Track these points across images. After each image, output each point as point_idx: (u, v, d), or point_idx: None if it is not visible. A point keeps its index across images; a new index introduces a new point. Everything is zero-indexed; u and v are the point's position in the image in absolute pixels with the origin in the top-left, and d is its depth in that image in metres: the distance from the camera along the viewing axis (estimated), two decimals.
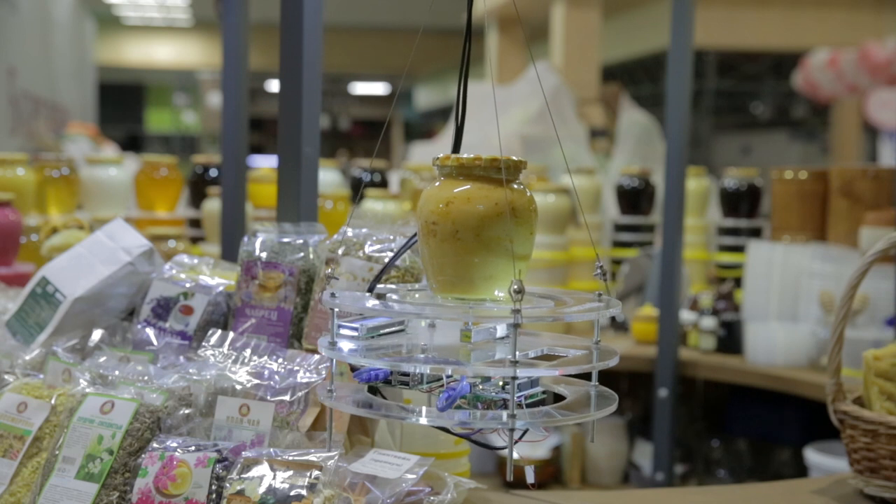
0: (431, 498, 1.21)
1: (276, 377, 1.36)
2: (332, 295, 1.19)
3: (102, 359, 1.46)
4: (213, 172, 3.55)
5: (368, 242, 1.50)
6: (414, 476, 1.18)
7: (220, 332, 1.47)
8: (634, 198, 3.76)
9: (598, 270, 1.22)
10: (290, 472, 1.19)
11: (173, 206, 3.49)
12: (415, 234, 1.24)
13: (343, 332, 1.20)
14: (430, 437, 1.51)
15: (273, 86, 16.43)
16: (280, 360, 1.40)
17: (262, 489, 1.18)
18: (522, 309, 1.08)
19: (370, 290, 1.27)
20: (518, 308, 1.07)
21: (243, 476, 1.20)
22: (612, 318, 3.40)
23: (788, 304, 3.02)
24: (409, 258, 1.47)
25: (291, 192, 1.75)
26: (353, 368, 1.22)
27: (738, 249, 3.53)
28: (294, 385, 1.34)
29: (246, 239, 1.61)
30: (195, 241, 3.41)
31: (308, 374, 1.36)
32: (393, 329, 1.25)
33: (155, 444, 1.28)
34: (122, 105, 17.26)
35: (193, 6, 12.56)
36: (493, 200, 1.15)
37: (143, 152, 11.27)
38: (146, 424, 1.32)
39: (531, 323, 1.12)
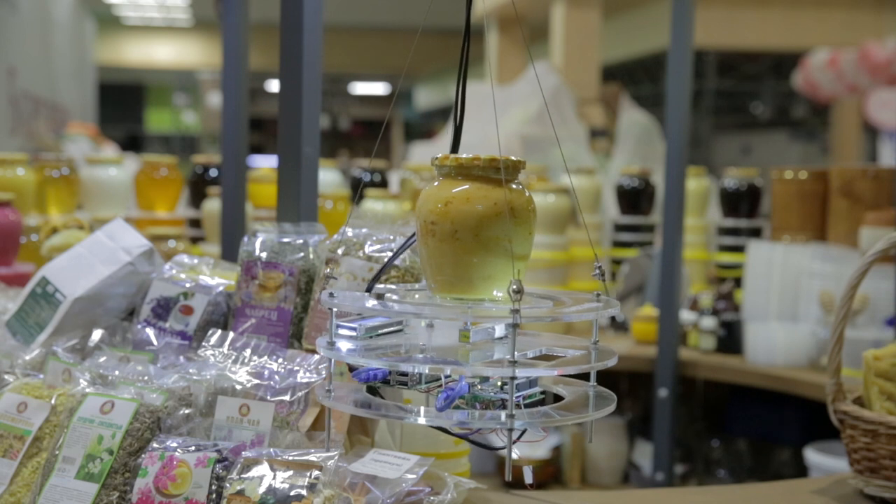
0: (431, 498, 1.21)
1: (276, 377, 1.36)
2: (331, 295, 1.19)
3: (102, 359, 1.46)
4: (213, 172, 3.55)
5: (368, 242, 1.50)
6: (414, 476, 1.18)
7: (220, 332, 1.47)
8: (634, 198, 3.76)
9: (597, 271, 1.22)
10: (290, 472, 1.19)
11: (173, 206, 3.49)
12: (413, 234, 1.24)
13: (341, 331, 1.20)
14: (430, 437, 1.51)
15: (273, 86, 16.43)
16: (280, 360, 1.40)
17: (262, 489, 1.18)
18: (521, 309, 1.08)
19: (369, 289, 1.27)
20: (517, 308, 1.07)
21: (243, 476, 1.20)
22: (613, 318, 3.40)
23: (788, 304, 3.02)
24: (410, 258, 1.47)
25: (291, 192, 1.75)
26: (352, 368, 1.22)
27: (738, 249, 3.53)
28: (294, 385, 1.34)
29: (246, 239, 1.61)
30: (195, 241, 3.41)
31: (308, 374, 1.36)
32: (391, 329, 1.25)
33: (155, 444, 1.28)
34: (122, 105, 17.25)
35: (193, 6, 12.56)
36: (492, 200, 1.15)
37: (143, 152, 11.28)
38: (146, 424, 1.32)
39: (530, 323, 1.12)
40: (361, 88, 19.30)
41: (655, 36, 9.29)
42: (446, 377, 1.18)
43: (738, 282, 3.36)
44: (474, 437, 1.24)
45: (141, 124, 18.31)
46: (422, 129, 17.85)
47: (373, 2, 12.50)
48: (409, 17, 12.61)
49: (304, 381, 1.35)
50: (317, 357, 1.38)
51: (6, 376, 1.49)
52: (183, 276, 1.61)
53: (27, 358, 1.53)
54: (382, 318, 1.23)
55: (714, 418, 3.34)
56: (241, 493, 1.19)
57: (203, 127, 17.07)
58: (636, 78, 11.71)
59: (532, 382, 1.20)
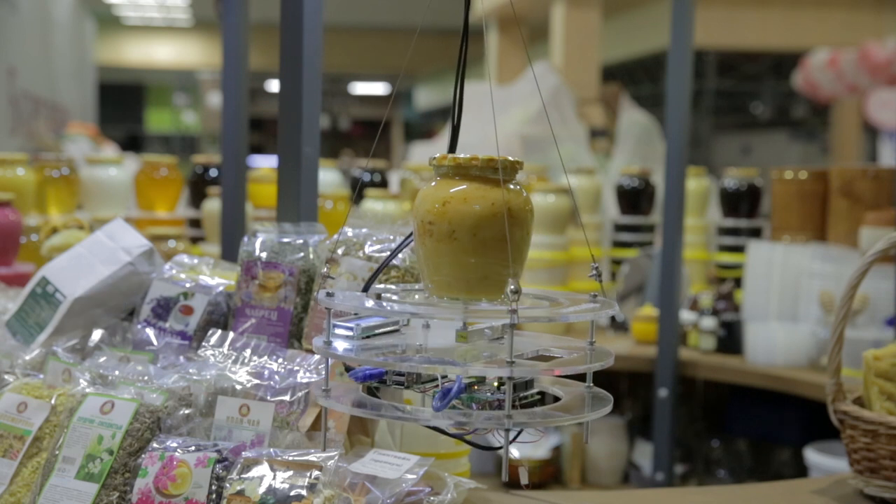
0: (431, 498, 1.21)
1: (276, 377, 1.36)
2: (328, 294, 1.19)
3: (102, 359, 1.46)
4: (213, 172, 3.55)
5: (368, 242, 1.50)
6: (414, 476, 1.18)
7: (220, 332, 1.47)
8: (634, 198, 3.76)
9: (594, 271, 1.22)
10: (290, 472, 1.19)
11: (173, 206, 3.49)
12: (410, 234, 1.24)
13: (338, 331, 1.20)
14: (430, 437, 1.51)
15: (273, 86, 16.43)
16: (280, 360, 1.40)
17: (262, 489, 1.18)
18: (518, 309, 1.08)
19: (365, 289, 1.27)
20: (514, 308, 1.07)
21: (243, 476, 1.20)
22: (613, 318, 3.40)
23: (788, 304, 3.02)
24: (410, 258, 1.47)
25: (291, 192, 1.75)
26: (348, 368, 1.22)
27: (738, 249, 3.53)
28: (294, 385, 1.34)
29: (246, 239, 1.61)
30: (195, 241, 3.41)
31: (308, 374, 1.36)
32: (388, 329, 1.25)
33: (155, 444, 1.28)
34: (122, 105, 17.26)
35: (193, 6, 12.56)
36: (490, 200, 1.15)
37: (143, 152, 11.28)
38: (146, 424, 1.32)
39: (528, 324, 1.12)
40: (361, 88, 19.30)
41: (655, 36, 9.29)
42: (443, 378, 1.18)
43: (738, 282, 3.36)
44: (470, 437, 1.24)
45: (141, 124, 18.31)
46: (422, 129, 17.85)
47: (373, 2, 12.50)
48: (409, 17, 12.62)
49: (304, 381, 1.35)
50: (317, 357, 1.38)
51: (6, 376, 1.49)
52: (183, 276, 1.61)
53: (27, 358, 1.53)
54: (380, 318, 1.23)
55: (714, 418, 3.34)
56: (241, 493, 1.19)
57: (203, 127, 17.08)
58: (636, 78, 11.71)
59: (528, 383, 1.20)
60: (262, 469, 1.20)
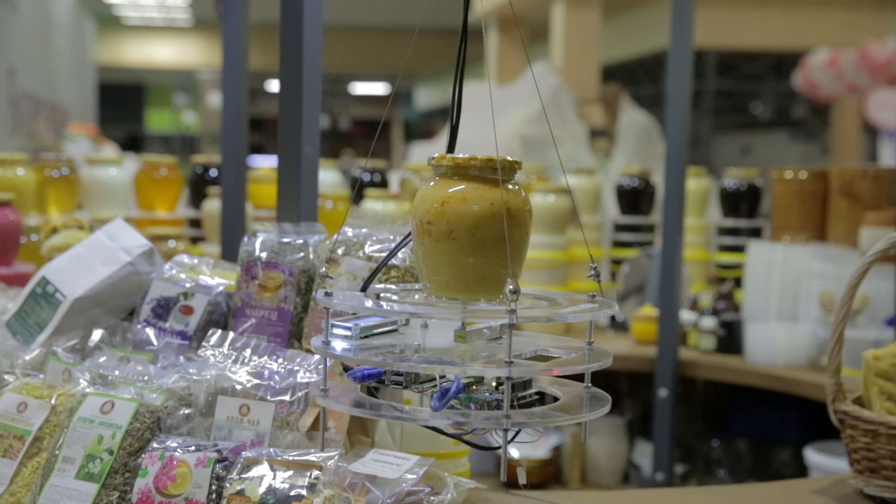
0: (431, 498, 1.21)
1: (276, 377, 1.36)
2: (326, 294, 1.19)
3: (102, 359, 1.46)
4: (213, 172, 3.55)
5: (368, 242, 1.50)
6: (414, 476, 1.18)
7: (220, 332, 1.47)
8: (634, 198, 3.76)
9: (592, 272, 1.22)
10: (290, 472, 1.19)
11: (173, 206, 3.49)
12: (409, 234, 1.24)
13: (336, 331, 1.20)
14: (430, 437, 1.51)
15: (273, 86, 16.43)
16: (280, 360, 1.40)
17: (262, 489, 1.18)
18: (517, 309, 1.08)
19: (363, 289, 1.27)
20: (513, 308, 1.07)
21: (243, 476, 1.20)
22: (613, 318, 3.40)
23: (788, 304, 3.02)
24: (410, 258, 1.47)
25: (291, 192, 1.75)
26: (346, 368, 1.22)
27: (738, 249, 3.53)
28: (294, 385, 1.34)
29: (246, 239, 1.61)
30: (195, 241, 3.41)
31: (308, 374, 1.36)
32: (387, 329, 1.25)
33: (155, 444, 1.29)
34: (122, 105, 17.26)
35: (193, 6, 12.56)
36: (489, 200, 1.15)
37: (143, 152, 11.28)
38: (146, 424, 1.32)
39: (527, 324, 1.12)
40: (361, 88, 19.30)
41: (655, 36, 9.29)
42: (441, 377, 1.18)
43: (738, 282, 3.36)
44: (468, 437, 1.24)
45: (141, 124, 18.31)
46: (422, 129, 17.85)
47: (373, 2, 12.50)
48: (409, 17, 12.62)
49: (304, 381, 1.35)
50: (317, 357, 1.38)
51: (6, 376, 1.49)
52: (183, 276, 1.61)
53: (27, 358, 1.53)
54: (378, 318, 1.23)
55: (714, 418, 3.34)
56: (241, 493, 1.19)
57: (203, 127, 17.08)
58: (636, 78, 11.71)
59: (527, 383, 1.20)
60: (262, 469, 1.20)
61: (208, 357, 1.43)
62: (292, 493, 1.17)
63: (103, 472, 1.28)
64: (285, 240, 1.59)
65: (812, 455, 2.71)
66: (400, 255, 1.45)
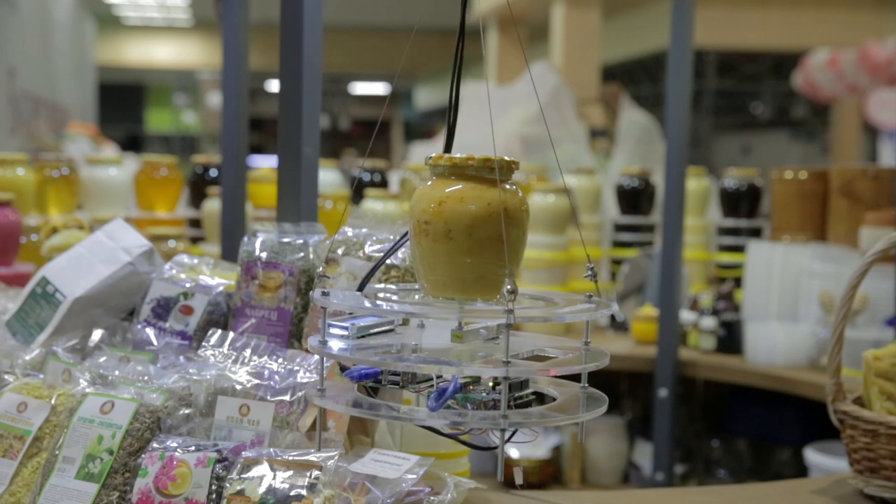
0: (431, 498, 1.21)
1: (276, 377, 1.36)
2: (323, 293, 1.19)
3: (102, 359, 1.46)
4: (213, 172, 3.55)
5: (368, 242, 1.50)
6: (414, 476, 1.18)
7: (220, 332, 1.47)
8: (634, 198, 3.76)
9: (589, 272, 1.22)
10: (290, 472, 1.19)
11: (173, 206, 3.49)
12: (406, 234, 1.24)
13: (333, 331, 1.20)
14: (430, 437, 1.51)
15: (273, 86, 16.43)
16: (280, 360, 1.40)
17: (262, 489, 1.18)
18: (514, 309, 1.08)
19: (360, 289, 1.27)
20: (511, 308, 1.07)
21: (243, 476, 1.20)
22: (613, 318, 3.40)
23: (788, 304, 3.02)
24: (410, 258, 1.47)
25: (291, 192, 1.75)
26: (343, 368, 1.22)
27: (738, 249, 3.53)
28: (294, 385, 1.34)
29: (246, 239, 1.61)
30: (195, 241, 3.41)
31: (308, 374, 1.36)
32: (384, 329, 1.25)
33: (155, 444, 1.29)
34: (122, 105, 17.27)
35: (193, 6, 12.56)
36: (486, 200, 1.15)
37: (143, 152, 11.28)
38: (146, 424, 1.32)
39: (527, 324, 1.12)
40: (361, 88, 19.30)
41: (655, 36, 9.29)
42: (438, 377, 1.18)
43: (738, 282, 3.35)
44: (464, 437, 1.24)
45: (141, 124, 18.32)
46: (422, 129, 17.85)
47: (373, 2, 12.50)
48: (409, 17, 12.62)
49: (304, 381, 1.35)
50: (317, 357, 1.38)
51: (6, 376, 1.49)
52: (183, 276, 1.61)
53: (27, 358, 1.53)
54: (375, 318, 1.23)
55: (714, 418, 3.34)
56: (241, 493, 1.19)
57: (203, 127, 17.08)
58: (636, 78, 11.71)
59: (524, 383, 1.20)
60: (262, 469, 1.20)
61: (208, 357, 1.43)
62: (292, 493, 1.17)
63: (103, 472, 1.28)
64: (285, 240, 1.59)
65: (812, 455, 2.71)
66: (400, 254, 1.45)
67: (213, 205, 3.17)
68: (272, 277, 1.55)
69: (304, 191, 1.74)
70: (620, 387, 3.37)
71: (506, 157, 1.18)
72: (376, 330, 1.23)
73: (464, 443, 1.27)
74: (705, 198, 3.78)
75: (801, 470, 2.90)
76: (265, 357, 1.41)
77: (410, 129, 18.76)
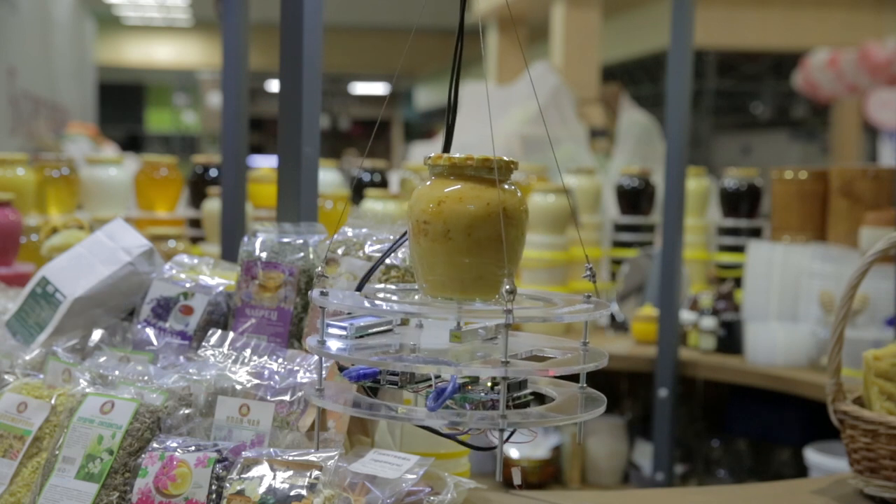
0: (431, 498, 1.21)
1: (276, 377, 1.36)
2: (322, 293, 1.19)
3: (102, 359, 1.46)
4: (213, 172, 3.55)
5: (368, 242, 1.50)
6: (414, 476, 1.18)
7: (220, 332, 1.47)
8: (634, 198, 3.76)
9: (588, 272, 1.22)
10: (290, 472, 1.19)
11: (173, 206, 3.49)
12: (404, 234, 1.24)
13: (332, 331, 1.20)
14: (430, 437, 1.51)
15: (273, 86, 16.43)
16: (280, 360, 1.40)
17: (262, 489, 1.18)
18: (513, 309, 1.08)
19: (359, 288, 1.27)
20: (510, 308, 1.07)
21: (243, 476, 1.20)
22: (613, 318, 3.40)
23: (788, 304, 3.02)
24: (410, 258, 1.47)
25: (291, 192, 1.75)
26: (341, 368, 1.22)
27: (738, 249, 3.53)
28: (294, 385, 1.34)
29: (246, 239, 1.61)
30: (195, 241, 3.41)
31: (308, 375, 1.36)
32: (382, 328, 1.25)
33: (155, 444, 1.29)
34: (122, 105, 17.27)
35: (193, 6, 12.56)
36: (485, 200, 1.15)
37: (143, 152, 11.28)
38: (146, 424, 1.32)
39: (526, 324, 1.12)
40: (361, 88, 19.30)
41: (655, 36, 9.29)
42: (436, 377, 1.18)
43: (738, 282, 3.36)
44: (463, 437, 1.24)
45: (141, 124, 18.31)
46: (422, 129, 17.85)
47: (373, 2, 12.50)
48: (409, 17, 12.62)
49: (304, 381, 1.35)
50: (317, 357, 1.38)
51: (6, 376, 1.49)
52: (183, 276, 1.61)
53: (27, 358, 1.53)
54: (374, 318, 1.23)
55: (714, 418, 3.34)
56: (241, 493, 1.19)
57: (203, 127, 17.08)
58: (636, 78, 11.71)
59: (523, 383, 1.20)
60: (262, 469, 1.20)
61: (208, 357, 1.43)
62: (292, 493, 1.17)
63: (103, 472, 1.28)
64: (285, 240, 1.59)
65: (812, 455, 2.71)
66: (400, 254, 1.45)
67: (213, 205, 3.17)
68: (272, 277, 1.55)
69: (304, 191, 1.74)
70: (620, 387, 3.37)
71: (505, 157, 1.18)
72: (375, 330, 1.23)
73: (462, 443, 1.27)
74: (705, 198, 3.78)
75: (801, 470, 2.90)
76: (265, 357, 1.41)
77: (410, 129, 18.76)
